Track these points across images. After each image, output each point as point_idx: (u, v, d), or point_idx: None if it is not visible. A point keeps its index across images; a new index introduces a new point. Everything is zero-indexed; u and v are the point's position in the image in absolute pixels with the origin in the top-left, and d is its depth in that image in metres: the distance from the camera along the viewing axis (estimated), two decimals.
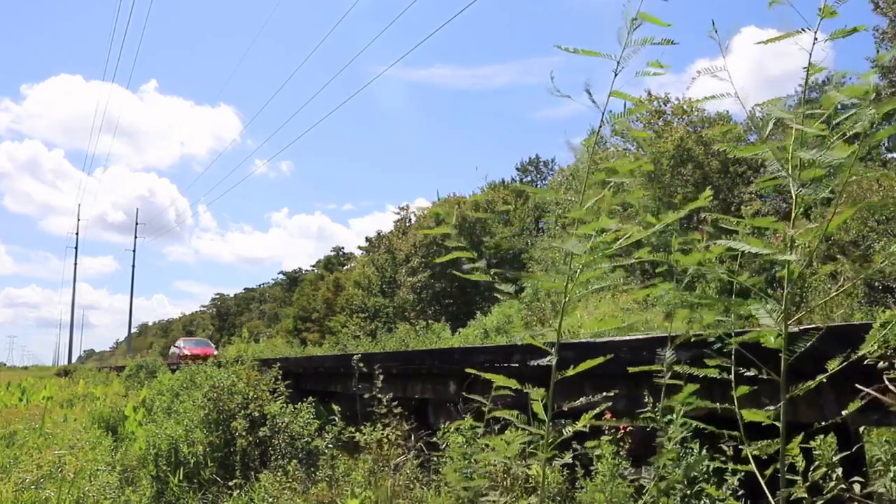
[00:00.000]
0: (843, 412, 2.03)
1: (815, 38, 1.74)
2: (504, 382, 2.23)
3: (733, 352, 2.05)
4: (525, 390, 2.25)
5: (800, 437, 1.96)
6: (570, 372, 2.14)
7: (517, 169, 50.32)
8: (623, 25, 1.82)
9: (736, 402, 1.98)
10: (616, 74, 1.85)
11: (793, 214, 1.90)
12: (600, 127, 1.98)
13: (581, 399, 2.38)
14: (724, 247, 1.92)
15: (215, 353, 26.45)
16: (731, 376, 2.02)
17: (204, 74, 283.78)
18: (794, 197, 1.86)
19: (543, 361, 2.08)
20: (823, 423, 2.28)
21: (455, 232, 2.10)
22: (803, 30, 1.75)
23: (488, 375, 2.29)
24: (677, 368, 2.16)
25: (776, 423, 1.86)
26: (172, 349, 30.47)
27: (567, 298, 2.05)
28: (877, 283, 13.84)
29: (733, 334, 2.00)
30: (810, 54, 1.76)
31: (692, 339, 2.17)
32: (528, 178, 49.40)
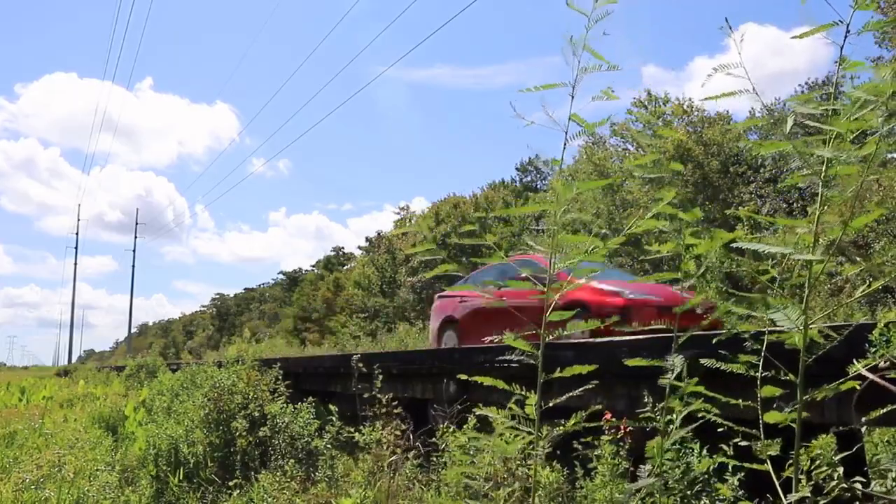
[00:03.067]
0: (864, 419, 2.02)
1: (848, 31, 1.68)
2: (492, 383, 2.27)
3: (762, 352, 2.02)
4: (515, 392, 2.28)
5: (822, 439, 1.95)
6: (556, 375, 2.19)
7: (517, 169, 50.26)
8: (571, 54, 1.98)
9: (759, 402, 1.96)
10: (573, 98, 2.03)
11: (817, 213, 1.83)
12: (564, 146, 2.14)
13: (563, 397, 2.40)
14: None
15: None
16: (757, 375, 2.00)
17: (201, 72, 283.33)
18: (819, 195, 1.81)
19: (512, 358, 2.16)
20: (848, 427, 2.27)
21: (433, 247, 2.22)
22: (837, 22, 1.68)
23: (480, 378, 2.32)
24: (705, 362, 2.12)
25: (790, 424, 1.85)
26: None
27: (548, 302, 2.11)
28: None
29: (767, 333, 1.98)
30: (842, 48, 1.70)
31: (723, 339, 2.16)
32: (528, 178, 49.38)
